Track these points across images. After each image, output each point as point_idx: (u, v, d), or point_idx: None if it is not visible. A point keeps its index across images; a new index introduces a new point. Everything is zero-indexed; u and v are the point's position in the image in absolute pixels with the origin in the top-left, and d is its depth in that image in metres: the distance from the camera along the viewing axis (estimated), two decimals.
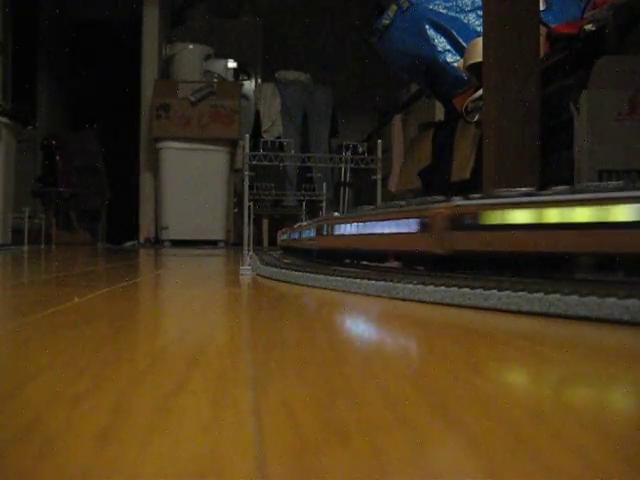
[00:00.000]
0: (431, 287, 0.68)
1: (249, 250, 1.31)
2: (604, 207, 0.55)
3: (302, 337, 0.49)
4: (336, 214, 1.18)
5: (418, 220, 0.77)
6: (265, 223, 4.13)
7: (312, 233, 1.20)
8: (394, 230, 0.84)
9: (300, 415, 0.26)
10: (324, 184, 2.02)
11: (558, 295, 0.56)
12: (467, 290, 0.64)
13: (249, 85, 4.72)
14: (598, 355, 0.43)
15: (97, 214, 4.88)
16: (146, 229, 4.14)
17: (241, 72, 4.60)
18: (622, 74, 1.26)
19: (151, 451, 0.22)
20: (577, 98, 1.29)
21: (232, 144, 4.01)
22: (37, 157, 4.58)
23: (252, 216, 1.31)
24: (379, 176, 1.42)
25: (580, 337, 0.50)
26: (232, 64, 4.47)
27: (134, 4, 4.23)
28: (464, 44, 2.03)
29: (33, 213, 3.70)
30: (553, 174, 1.45)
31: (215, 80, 4.11)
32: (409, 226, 0.79)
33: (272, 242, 3.79)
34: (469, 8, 2.15)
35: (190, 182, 3.83)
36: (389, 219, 0.86)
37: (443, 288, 0.66)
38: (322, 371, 0.35)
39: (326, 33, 4.98)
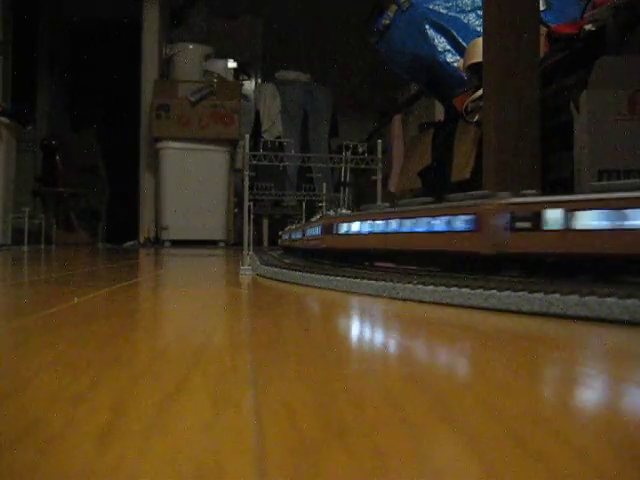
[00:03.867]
0: (431, 287, 0.68)
1: (249, 250, 1.31)
2: None
3: (302, 337, 0.49)
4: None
5: None
6: (265, 223, 4.13)
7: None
8: None
9: (300, 415, 0.26)
10: (324, 184, 2.02)
11: (558, 295, 0.56)
12: (467, 290, 0.64)
13: (249, 85, 4.72)
14: (598, 355, 0.43)
15: (97, 214, 4.88)
16: (146, 229, 4.14)
17: (241, 72, 4.60)
18: (622, 74, 1.26)
19: (151, 451, 0.22)
20: (577, 98, 1.29)
21: (232, 144, 4.01)
22: (37, 157, 4.59)
23: (252, 216, 1.31)
24: (379, 176, 1.43)
25: (579, 337, 0.50)
26: (232, 64, 4.47)
27: (134, 4, 4.23)
28: (464, 44, 2.03)
29: (33, 213, 3.70)
30: (553, 174, 1.45)
31: (215, 80, 4.11)
32: None
33: (272, 242, 3.79)
34: (469, 8, 2.15)
35: (190, 182, 3.84)
36: None
37: (443, 288, 0.66)
38: (322, 371, 0.35)
39: (326, 33, 4.98)
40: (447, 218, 0.80)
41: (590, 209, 0.62)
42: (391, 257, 0.99)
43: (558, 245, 0.65)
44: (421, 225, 0.86)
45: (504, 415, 0.26)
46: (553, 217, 0.65)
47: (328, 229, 1.13)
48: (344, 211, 1.22)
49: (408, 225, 0.89)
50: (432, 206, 0.87)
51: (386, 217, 0.95)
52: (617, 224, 0.59)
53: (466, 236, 0.76)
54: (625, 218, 0.59)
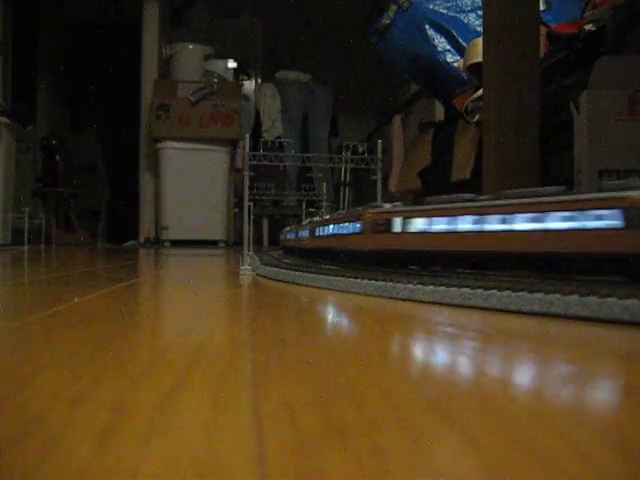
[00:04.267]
0: (431, 287, 0.68)
1: (249, 250, 1.31)
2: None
3: (302, 337, 0.49)
4: None
5: None
6: (265, 223, 4.13)
7: None
8: None
9: (300, 415, 0.26)
10: (324, 184, 2.02)
11: (558, 295, 0.56)
12: (467, 290, 0.64)
13: (249, 85, 4.72)
14: (598, 355, 0.43)
15: (97, 214, 4.88)
16: (146, 229, 4.14)
17: (241, 72, 4.60)
18: (622, 74, 1.26)
19: (151, 451, 0.22)
20: (577, 98, 1.29)
21: (232, 144, 4.01)
22: (37, 157, 4.59)
23: (252, 216, 1.31)
24: (379, 176, 1.42)
25: (579, 337, 0.50)
26: (232, 64, 4.47)
27: (134, 4, 4.23)
28: (464, 44, 2.03)
29: (33, 213, 3.70)
30: (553, 174, 1.45)
31: (215, 80, 4.11)
32: None
33: (272, 242, 3.79)
34: (469, 8, 2.15)
35: (190, 182, 3.84)
36: None
37: (443, 288, 0.66)
38: (322, 371, 0.35)
39: (326, 33, 4.98)
40: (349, 224, 1.04)
41: (415, 217, 0.85)
42: (332, 255, 1.20)
43: (400, 243, 0.88)
44: (341, 229, 1.10)
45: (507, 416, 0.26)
46: (396, 223, 0.88)
47: (312, 232, 1.34)
48: (326, 216, 1.40)
49: (331, 230, 1.16)
50: (340, 215, 1.14)
51: (323, 224, 1.22)
52: (429, 228, 0.83)
53: (358, 237, 0.99)
54: (433, 224, 0.82)
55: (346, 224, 1.06)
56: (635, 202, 0.57)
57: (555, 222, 0.65)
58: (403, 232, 0.86)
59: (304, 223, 1.44)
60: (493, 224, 0.72)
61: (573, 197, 0.65)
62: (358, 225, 0.99)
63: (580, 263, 0.63)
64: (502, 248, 0.72)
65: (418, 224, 0.84)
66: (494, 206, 0.73)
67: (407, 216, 0.86)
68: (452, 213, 0.78)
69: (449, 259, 0.82)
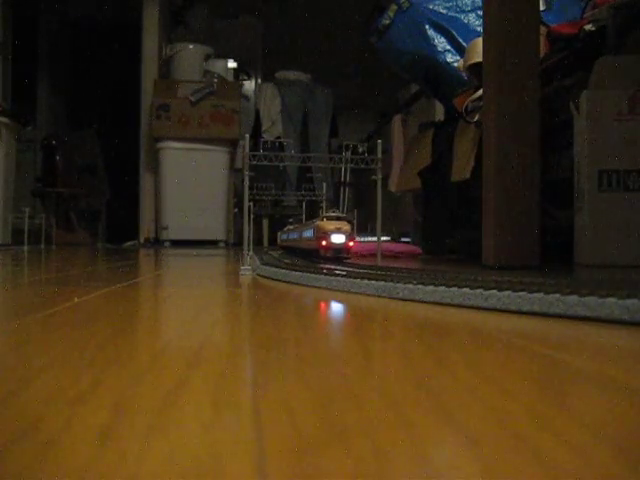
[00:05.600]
0: (431, 287, 0.68)
1: (249, 250, 1.31)
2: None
3: (302, 337, 0.49)
4: None
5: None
6: (265, 223, 4.13)
7: None
8: None
9: (300, 415, 0.26)
10: (324, 184, 2.02)
11: (558, 295, 0.56)
12: (467, 290, 0.64)
13: (249, 85, 4.72)
14: (598, 355, 0.43)
15: (97, 214, 4.88)
16: (146, 229, 4.14)
17: (241, 72, 4.60)
18: (622, 74, 1.26)
19: (151, 451, 0.22)
20: (577, 98, 1.29)
21: (232, 144, 4.01)
22: (37, 157, 4.59)
23: (252, 216, 1.31)
24: (379, 176, 1.42)
25: (579, 337, 0.50)
26: (232, 64, 4.47)
27: (134, 4, 4.23)
28: (464, 44, 2.03)
29: (33, 213, 3.70)
30: (553, 174, 1.45)
31: (215, 80, 4.11)
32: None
33: (272, 242, 3.79)
34: (469, 8, 2.15)
35: (190, 182, 3.83)
36: None
37: (443, 288, 0.66)
38: (322, 371, 0.35)
39: (326, 33, 4.98)
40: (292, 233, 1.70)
41: (291, 231, 1.66)
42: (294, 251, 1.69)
43: (292, 244, 1.60)
44: (294, 234, 1.65)
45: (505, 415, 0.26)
46: (286, 234, 1.78)
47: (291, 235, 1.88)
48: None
49: (293, 235, 1.72)
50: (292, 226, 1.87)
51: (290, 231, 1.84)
52: (300, 236, 1.41)
53: (286, 240, 1.80)
54: (303, 233, 1.35)
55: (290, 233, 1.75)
56: (316, 226, 1.14)
57: (307, 234, 1.28)
58: (287, 239, 1.74)
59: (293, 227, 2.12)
60: (303, 235, 1.37)
61: (310, 222, 1.29)
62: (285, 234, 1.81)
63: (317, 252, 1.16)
64: (303, 247, 1.37)
65: (285, 234, 1.80)
66: (300, 226, 1.47)
67: (289, 231, 1.72)
68: (292, 230, 1.60)
69: (297, 251, 1.51)
